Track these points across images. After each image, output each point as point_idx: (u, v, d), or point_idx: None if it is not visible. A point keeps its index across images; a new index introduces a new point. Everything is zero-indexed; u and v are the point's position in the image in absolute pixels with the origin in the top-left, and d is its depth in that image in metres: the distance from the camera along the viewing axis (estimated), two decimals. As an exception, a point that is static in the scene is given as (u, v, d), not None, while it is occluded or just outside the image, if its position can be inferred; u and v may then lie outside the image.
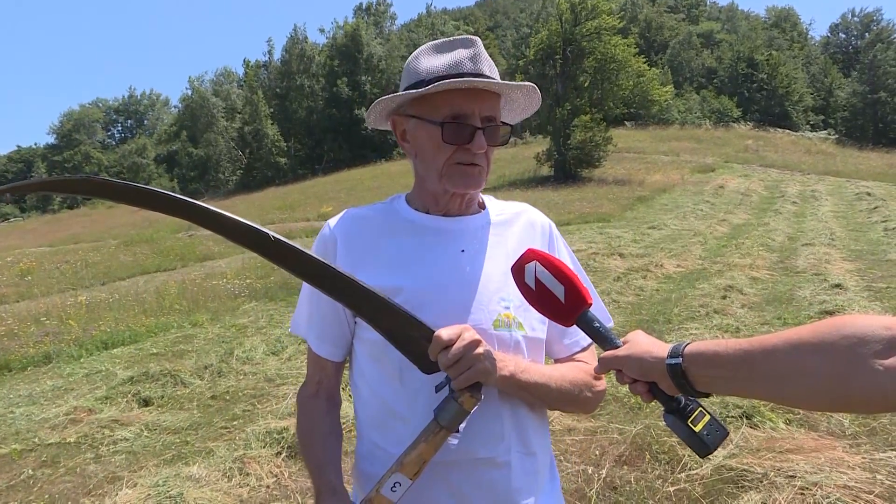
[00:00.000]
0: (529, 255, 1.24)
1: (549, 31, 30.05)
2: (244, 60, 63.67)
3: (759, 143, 40.42)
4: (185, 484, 3.80)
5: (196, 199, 1.18)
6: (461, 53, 1.32)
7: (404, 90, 1.35)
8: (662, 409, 1.14)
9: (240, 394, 5.58)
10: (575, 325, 1.22)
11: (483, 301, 1.32)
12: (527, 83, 1.36)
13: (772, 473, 3.52)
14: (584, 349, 1.47)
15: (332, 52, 60.03)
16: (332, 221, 1.44)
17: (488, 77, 1.30)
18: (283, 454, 4.21)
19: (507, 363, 1.26)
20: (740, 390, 1.01)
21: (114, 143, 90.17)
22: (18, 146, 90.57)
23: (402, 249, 1.36)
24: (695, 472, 3.67)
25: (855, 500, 3.20)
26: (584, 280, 1.48)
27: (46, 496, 3.95)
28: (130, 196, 1.15)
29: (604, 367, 1.19)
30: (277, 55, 63.36)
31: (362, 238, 1.38)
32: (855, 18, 78.93)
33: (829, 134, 51.06)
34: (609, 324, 1.48)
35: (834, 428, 4.13)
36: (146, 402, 5.45)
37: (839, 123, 52.55)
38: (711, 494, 3.45)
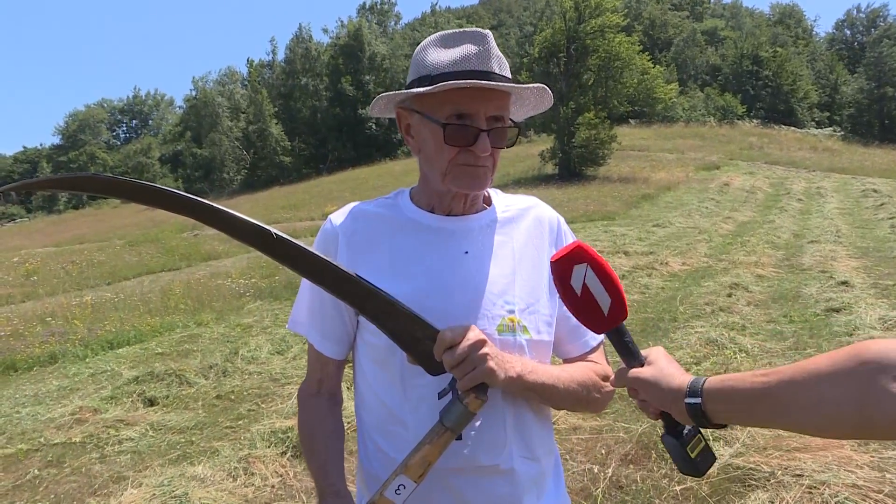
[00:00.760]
0: (580, 254, 1.13)
1: (553, 30, 29.96)
2: (248, 60, 63.86)
3: (764, 140, 40.29)
4: (191, 484, 3.80)
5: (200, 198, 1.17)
6: (468, 49, 1.25)
7: (410, 83, 1.31)
8: (663, 428, 1.14)
9: (245, 393, 5.58)
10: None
11: (486, 305, 1.29)
12: (536, 84, 1.29)
13: (779, 472, 3.51)
14: (593, 349, 1.44)
15: (335, 51, 60.05)
16: (335, 217, 1.40)
17: (497, 75, 1.25)
18: (289, 454, 4.20)
19: (514, 363, 1.23)
20: (759, 422, 1.00)
21: (119, 143, 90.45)
22: (24, 147, 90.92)
23: (404, 249, 1.33)
24: (701, 470, 3.64)
25: (864, 500, 3.18)
26: None
27: (52, 496, 3.96)
28: (134, 193, 1.15)
29: (621, 383, 1.18)
30: (281, 54, 63.51)
31: (364, 235, 1.35)
32: (861, 14, 78.61)
33: (835, 131, 50.91)
34: None
35: (841, 426, 4.10)
36: (151, 402, 5.45)
37: (845, 120, 52.38)
38: (718, 493, 3.43)
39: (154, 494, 3.71)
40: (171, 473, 3.97)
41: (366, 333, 1.35)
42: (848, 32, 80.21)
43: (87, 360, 7.09)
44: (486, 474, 1.27)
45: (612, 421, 4.42)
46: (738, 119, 49.32)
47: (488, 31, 1.29)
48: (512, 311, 1.30)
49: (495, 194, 1.46)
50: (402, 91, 1.30)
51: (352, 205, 1.43)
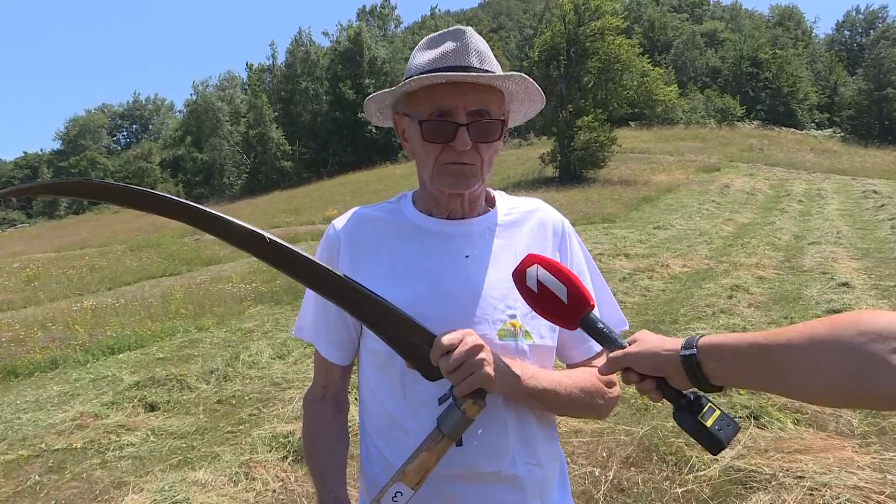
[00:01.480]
0: (530, 260, 1.21)
1: (552, 33, 29.98)
2: (247, 64, 63.92)
3: (764, 141, 40.30)
4: (192, 489, 3.80)
5: (201, 204, 1.17)
6: (447, 47, 1.26)
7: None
8: (672, 407, 1.11)
9: (246, 398, 5.58)
10: (580, 329, 1.20)
11: (487, 310, 1.28)
12: (512, 74, 1.26)
13: (780, 474, 3.50)
14: (598, 355, 1.42)
15: (335, 55, 60.13)
16: (338, 221, 1.41)
17: (476, 69, 1.24)
18: (290, 458, 4.20)
19: (513, 369, 1.22)
20: (754, 384, 0.99)
21: (119, 148, 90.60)
22: (25, 152, 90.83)
23: (405, 254, 1.32)
24: (703, 473, 3.64)
25: (865, 501, 3.18)
26: (600, 281, 1.46)
27: (53, 502, 3.95)
28: (127, 198, 1.14)
29: (611, 366, 1.16)
30: (281, 58, 63.54)
31: (365, 240, 1.36)
32: (860, 16, 78.73)
33: (835, 132, 50.91)
34: (624, 326, 1.46)
35: (843, 428, 4.10)
36: (152, 407, 5.45)
37: (844, 121, 52.42)
38: (720, 495, 3.43)
39: (155, 500, 3.71)
40: (173, 479, 3.97)
41: (368, 340, 1.35)
42: (847, 34, 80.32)
43: (88, 365, 7.08)
44: (487, 481, 1.26)
45: (613, 424, 4.42)
46: (738, 121, 49.33)
47: (469, 28, 1.30)
48: (514, 316, 1.29)
49: (499, 196, 1.45)
50: (382, 91, 1.31)
51: (354, 210, 1.43)
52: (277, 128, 56.40)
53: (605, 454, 4.01)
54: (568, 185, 26.54)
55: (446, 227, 1.35)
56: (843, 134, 49.58)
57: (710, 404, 1.10)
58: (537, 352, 1.31)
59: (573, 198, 22.42)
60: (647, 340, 1.12)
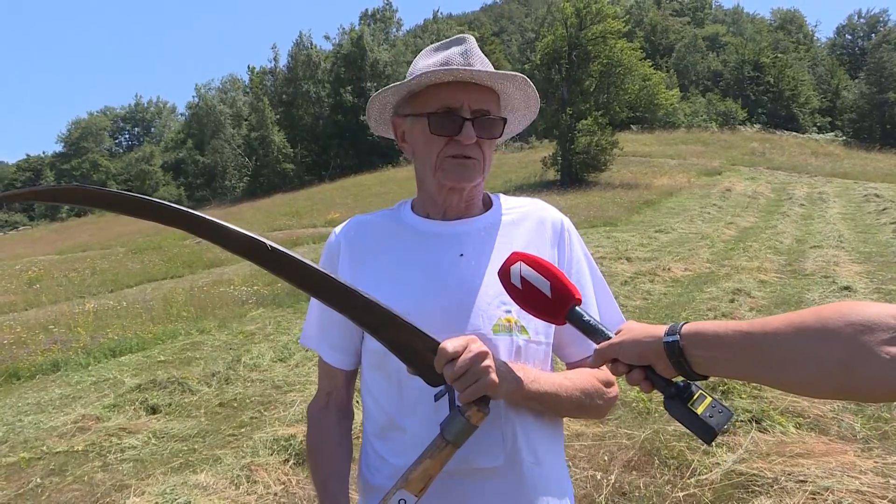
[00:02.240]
0: (514, 258, 1.22)
1: (554, 36, 30.00)
2: (249, 67, 63.90)
3: (765, 145, 40.25)
4: (193, 492, 3.80)
5: (203, 207, 1.17)
6: (452, 51, 1.33)
7: None
8: (663, 397, 1.10)
9: (247, 401, 5.58)
10: (568, 324, 1.20)
11: (482, 305, 1.29)
12: (516, 73, 1.33)
13: (782, 478, 3.50)
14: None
15: (337, 58, 60.19)
16: (339, 228, 1.44)
17: (479, 71, 1.29)
18: (291, 461, 4.20)
19: (516, 373, 1.22)
20: (739, 374, 0.97)
21: (121, 150, 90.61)
22: (27, 154, 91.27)
23: (401, 255, 1.35)
24: (704, 477, 3.64)
25: (867, 506, 3.17)
26: (601, 282, 1.46)
27: (54, 504, 3.95)
28: (123, 205, 1.13)
29: (599, 358, 1.14)
30: (283, 61, 63.55)
31: (364, 244, 1.39)
32: (861, 20, 78.75)
33: (837, 136, 50.87)
34: None
35: (845, 432, 4.10)
36: (154, 410, 5.45)
37: (846, 125, 52.39)
38: (721, 499, 3.42)
39: (157, 503, 3.71)
40: (174, 481, 3.97)
41: (367, 340, 1.37)
42: (849, 37, 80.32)
43: (90, 368, 7.09)
44: (483, 477, 1.26)
45: (614, 427, 4.41)
46: (740, 124, 49.31)
47: (470, 36, 1.36)
48: (509, 311, 1.29)
49: (498, 198, 1.47)
50: (390, 86, 1.33)
51: (355, 216, 1.47)
52: (279, 131, 56.41)
53: (606, 458, 4.01)
54: (569, 189, 26.53)
55: (442, 227, 1.38)
56: (844, 138, 49.54)
57: (700, 392, 1.08)
58: (533, 347, 1.32)
59: (575, 201, 22.42)
60: (632, 330, 1.12)
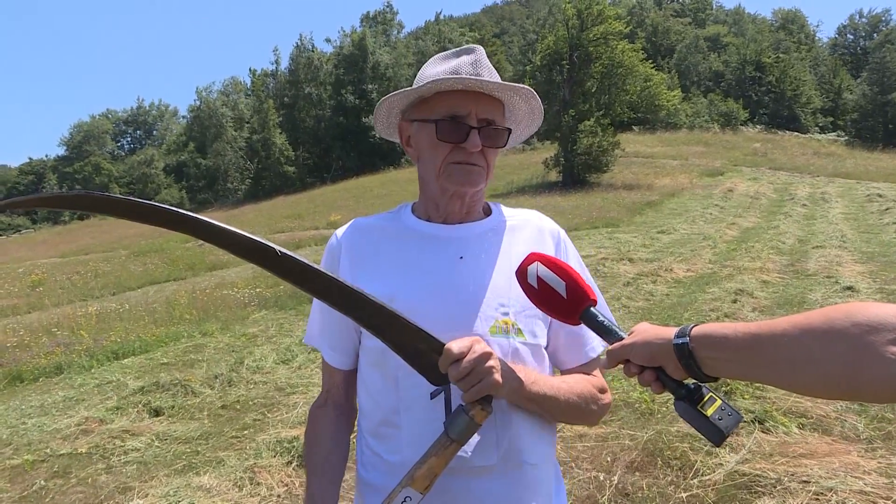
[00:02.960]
0: (532, 258, 1.25)
1: (555, 37, 30.04)
2: (250, 69, 63.94)
3: (767, 145, 40.22)
4: (196, 494, 3.80)
5: (205, 210, 1.17)
6: (463, 59, 1.35)
7: None
8: (673, 398, 1.11)
9: (250, 403, 5.58)
10: (582, 325, 1.22)
11: (480, 307, 1.31)
12: (524, 86, 1.36)
13: (785, 479, 3.49)
14: (591, 361, 1.45)
15: (339, 60, 60.25)
16: (339, 231, 1.47)
17: (488, 81, 1.32)
18: (294, 463, 4.20)
19: (518, 374, 1.25)
20: (748, 375, 0.99)
21: (123, 153, 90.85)
22: (30, 158, 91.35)
23: (401, 256, 1.37)
24: (707, 478, 3.63)
25: (871, 506, 3.16)
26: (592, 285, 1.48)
27: (58, 507, 3.96)
28: (129, 211, 1.12)
29: (612, 359, 1.16)
30: (284, 64, 63.60)
31: (364, 246, 1.41)
32: (863, 20, 78.74)
33: (839, 136, 50.85)
34: None
35: (848, 432, 4.09)
36: (157, 412, 5.45)
37: (848, 125, 52.35)
38: (725, 500, 3.42)
39: (160, 505, 3.71)
40: (177, 484, 3.97)
41: (364, 338, 1.39)
42: (850, 37, 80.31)
43: (93, 370, 7.10)
44: (479, 475, 1.28)
45: (617, 428, 4.41)
46: (742, 125, 49.31)
47: (480, 46, 1.39)
48: (506, 314, 1.32)
49: (497, 207, 1.50)
50: (400, 90, 1.36)
51: (355, 219, 1.49)
52: (281, 133, 56.49)
53: (609, 459, 4.00)
54: (571, 190, 26.53)
55: (442, 230, 1.40)
56: (847, 137, 49.50)
57: (710, 394, 1.10)
58: (529, 349, 1.34)
59: (577, 202, 22.42)
60: (644, 331, 1.13)
